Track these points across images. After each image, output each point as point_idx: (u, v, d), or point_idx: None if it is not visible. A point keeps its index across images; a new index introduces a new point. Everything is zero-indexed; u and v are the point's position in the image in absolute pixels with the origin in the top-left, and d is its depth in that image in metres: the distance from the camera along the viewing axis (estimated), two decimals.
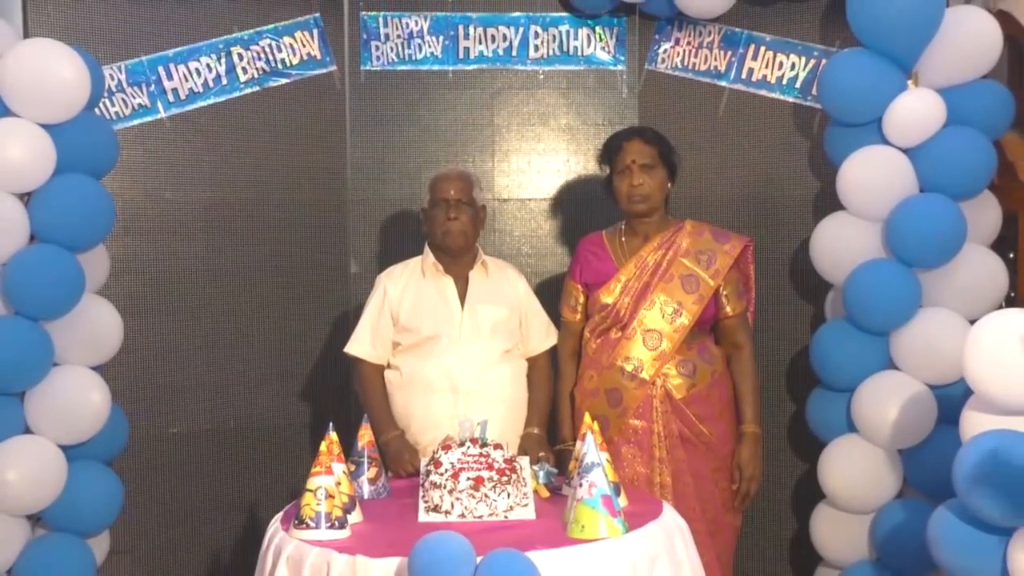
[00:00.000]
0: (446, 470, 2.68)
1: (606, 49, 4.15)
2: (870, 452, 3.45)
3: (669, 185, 3.40)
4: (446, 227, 3.34)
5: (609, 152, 3.42)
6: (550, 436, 3.42)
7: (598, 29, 4.15)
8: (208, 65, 3.95)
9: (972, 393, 2.56)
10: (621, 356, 3.33)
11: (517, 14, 4.14)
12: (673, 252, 3.36)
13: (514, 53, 4.16)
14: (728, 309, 3.38)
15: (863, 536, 3.52)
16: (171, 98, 3.92)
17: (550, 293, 3.71)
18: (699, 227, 3.41)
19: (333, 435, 2.69)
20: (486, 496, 2.63)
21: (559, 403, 3.46)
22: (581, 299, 3.46)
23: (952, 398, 3.20)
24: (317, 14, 4.06)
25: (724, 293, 3.37)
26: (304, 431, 4.11)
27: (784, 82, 4.00)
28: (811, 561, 3.77)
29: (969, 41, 3.31)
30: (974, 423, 2.55)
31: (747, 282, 3.47)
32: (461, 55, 4.15)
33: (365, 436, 2.97)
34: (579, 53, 4.16)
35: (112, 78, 3.80)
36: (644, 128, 3.48)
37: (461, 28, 4.13)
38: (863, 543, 3.53)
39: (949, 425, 3.05)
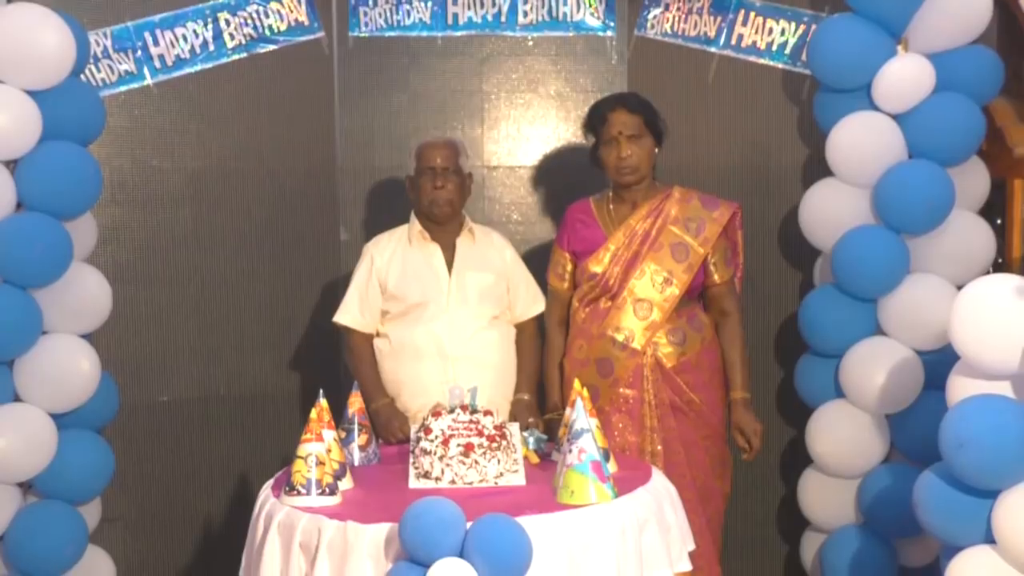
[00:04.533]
0: (436, 436, 2.68)
1: (595, 15, 4.13)
2: (857, 417, 3.47)
3: (656, 151, 3.38)
4: (432, 196, 3.33)
5: (593, 122, 3.39)
6: (539, 403, 3.42)
7: None
8: (195, 31, 3.92)
9: (959, 358, 2.58)
10: (611, 326, 3.32)
11: None
12: (662, 220, 3.35)
13: (503, 19, 4.13)
14: (716, 277, 3.38)
15: (850, 500, 3.55)
16: (157, 64, 3.88)
17: (539, 260, 3.70)
18: (687, 194, 3.40)
19: (323, 402, 2.69)
20: (476, 462, 2.64)
21: (547, 371, 3.46)
22: (569, 267, 3.45)
23: (939, 363, 3.21)
24: None
25: (712, 261, 3.36)
26: (294, 398, 4.11)
27: (774, 48, 3.99)
28: (799, 525, 3.80)
29: (959, 6, 3.30)
30: (960, 388, 2.56)
31: (735, 248, 3.46)
32: (450, 21, 4.12)
33: (355, 403, 2.98)
34: (568, 19, 4.14)
35: (98, 44, 3.76)
36: (627, 95, 3.43)
37: None
38: (850, 507, 3.56)
39: (936, 390, 3.07)
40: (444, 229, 3.39)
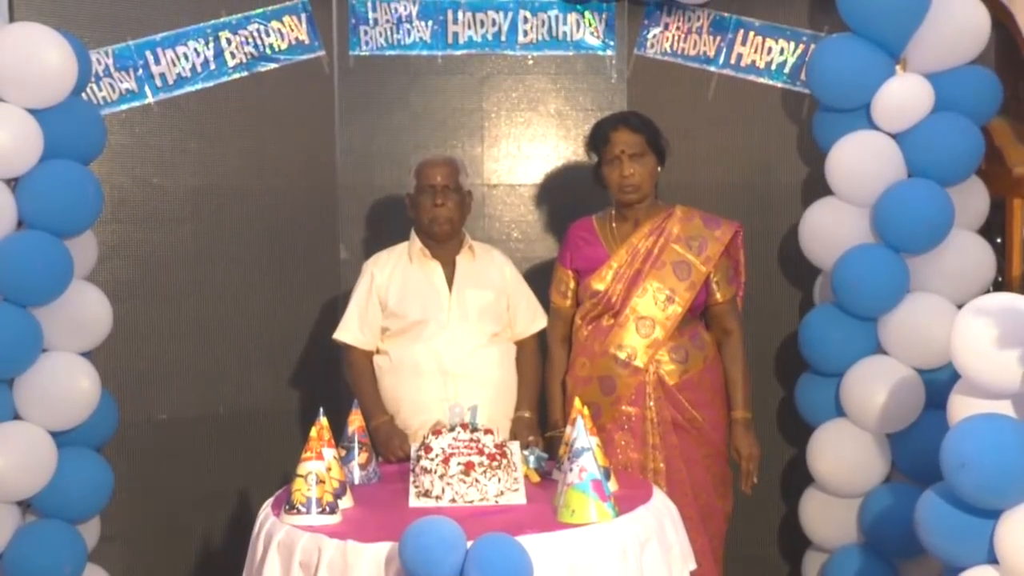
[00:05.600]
0: (436, 455, 2.68)
1: (595, 34, 4.15)
2: (858, 436, 3.46)
3: (659, 170, 3.39)
4: (433, 213, 3.34)
5: (596, 141, 3.40)
6: (540, 421, 3.42)
7: (587, 14, 4.14)
8: (196, 50, 3.93)
9: (959, 377, 2.58)
10: (614, 344, 3.33)
11: None
12: (664, 239, 3.36)
13: (503, 38, 4.15)
14: (718, 295, 3.38)
15: (851, 520, 3.55)
16: (159, 83, 3.89)
17: (540, 279, 3.71)
18: (689, 213, 3.41)
19: (323, 420, 2.69)
20: (476, 481, 2.64)
21: (549, 389, 3.46)
22: (571, 284, 3.46)
23: (940, 382, 3.22)
24: None
25: (714, 279, 3.37)
26: (294, 416, 4.11)
27: (773, 67, 4.01)
28: (800, 545, 3.79)
29: (957, 26, 3.31)
30: (961, 407, 2.56)
31: (737, 267, 3.47)
32: (450, 40, 4.13)
33: (355, 421, 2.98)
34: (568, 38, 4.16)
35: (99, 63, 3.77)
36: (629, 115, 3.44)
37: (450, 13, 4.12)
38: (851, 527, 3.55)
39: (937, 409, 3.07)
40: (444, 247, 3.39)
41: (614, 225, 3.43)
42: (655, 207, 3.42)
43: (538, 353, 3.49)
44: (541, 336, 3.51)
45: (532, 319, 3.48)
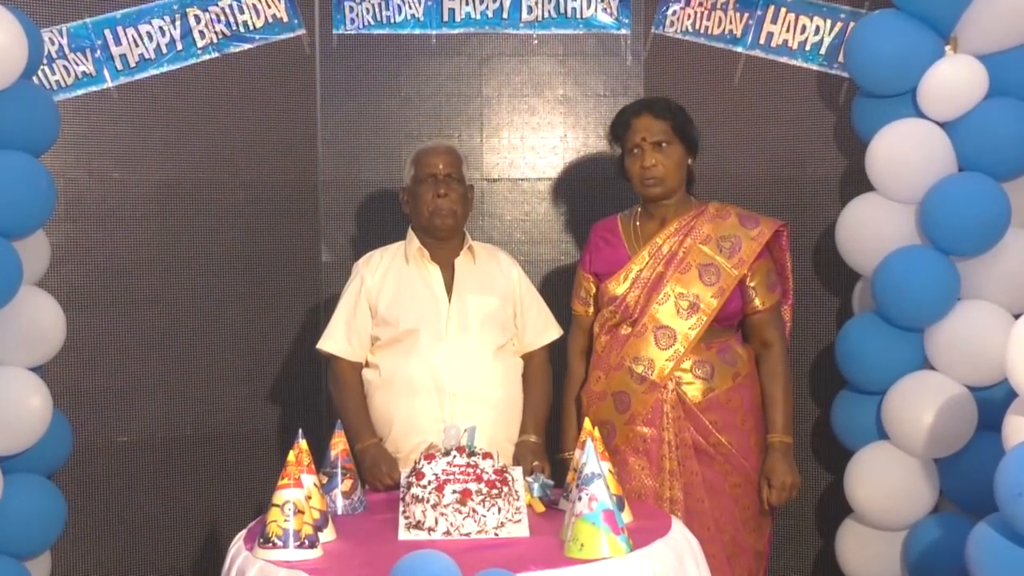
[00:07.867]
0: (429, 482, 2.68)
1: (608, 11, 4.16)
2: (903, 462, 3.47)
3: (690, 161, 3.38)
4: (435, 205, 3.32)
5: (617, 129, 3.39)
6: (551, 443, 3.40)
7: None
8: (161, 28, 3.95)
9: (1016, 396, 2.58)
10: (630, 356, 3.31)
11: None
12: (691, 239, 3.32)
13: (505, 15, 4.16)
14: (757, 302, 3.32)
15: (895, 555, 3.55)
16: (119, 65, 3.91)
17: (545, 284, 3.72)
18: (724, 210, 3.37)
19: (303, 443, 2.69)
20: (474, 511, 2.64)
21: (564, 406, 3.44)
22: (592, 290, 3.43)
23: (994, 401, 3.22)
24: None
25: (751, 284, 3.32)
26: (271, 439, 4.11)
27: (807, 48, 4.01)
28: None
29: (1013, 2, 3.32)
30: (1018, 429, 2.56)
31: (782, 271, 3.40)
32: (446, 17, 4.14)
33: (339, 444, 2.98)
34: (578, 15, 4.16)
35: (52, 43, 3.79)
36: (654, 100, 3.42)
37: None
38: (895, 563, 3.56)
39: (990, 431, 3.08)
40: (445, 247, 3.38)
41: (638, 224, 3.41)
42: (686, 203, 3.39)
43: (547, 369, 3.47)
44: (552, 350, 3.49)
45: (542, 329, 3.46)
